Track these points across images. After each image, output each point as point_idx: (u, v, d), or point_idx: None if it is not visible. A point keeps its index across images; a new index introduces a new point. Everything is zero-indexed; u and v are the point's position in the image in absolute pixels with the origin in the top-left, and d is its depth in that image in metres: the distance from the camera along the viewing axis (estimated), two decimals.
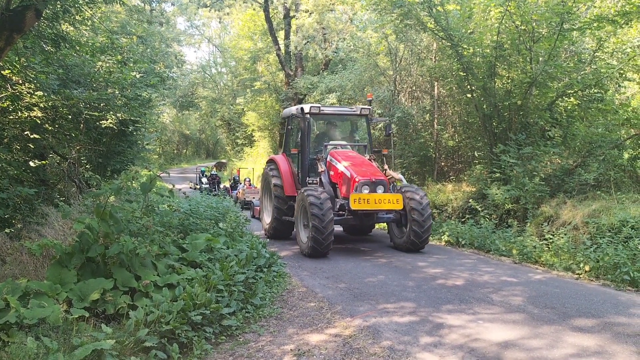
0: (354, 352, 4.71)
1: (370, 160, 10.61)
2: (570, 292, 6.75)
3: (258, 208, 14.89)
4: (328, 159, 10.55)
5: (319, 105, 11.28)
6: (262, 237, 11.21)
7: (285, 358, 4.68)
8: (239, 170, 26.69)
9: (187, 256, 6.79)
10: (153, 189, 6.78)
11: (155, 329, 4.67)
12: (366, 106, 11.43)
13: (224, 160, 40.37)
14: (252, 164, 32.21)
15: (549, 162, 11.28)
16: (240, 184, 22.61)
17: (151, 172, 6.81)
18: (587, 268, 7.89)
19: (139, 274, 5.66)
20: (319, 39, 23.23)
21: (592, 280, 7.65)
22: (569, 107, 12.33)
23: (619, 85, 12.99)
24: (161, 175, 7.18)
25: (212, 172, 26.46)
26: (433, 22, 12.18)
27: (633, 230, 8.06)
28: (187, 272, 6.15)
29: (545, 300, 6.33)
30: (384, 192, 9.63)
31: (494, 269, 8.35)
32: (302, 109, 10.87)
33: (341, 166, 10.08)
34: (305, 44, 23.15)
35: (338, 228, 11.72)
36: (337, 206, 9.93)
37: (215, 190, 22.87)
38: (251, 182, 22.29)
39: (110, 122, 13.36)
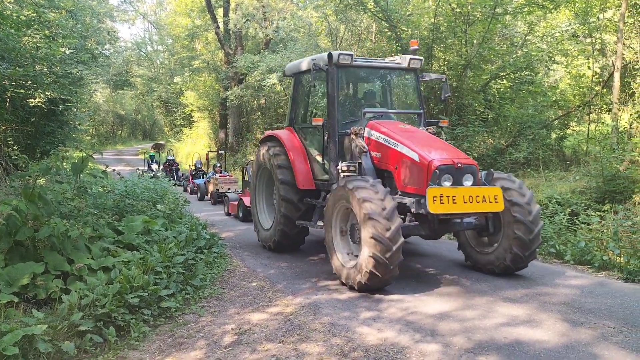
0: (295, 329, 4.75)
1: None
2: None
3: (235, 203, 12.21)
4: (367, 134, 6.98)
5: (351, 53, 7.40)
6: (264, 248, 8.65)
7: (226, 337, 4.67)
8: (207, 155, 21.22)
9: (123, 239, 6.61)
10: (85, 170, 6.53)
11: (90, 312, 4.54)
12: (416, 56, 7.82)
13: (162, 142, 39.27)
14: (191, 146, 31.46)
15: (482, 142, 11.71)
16: (211, 171, 17.91)
17: (83, 153, 6.55)
18: None
19: (72, 257, 5.46)
20: (259, 17, 22.85)
21: None
22: (501, 89, 12.82)
23: (548, 69, 13.62)
24: (95, 156, 6.92)
25: (169, 157, 22.67)
26: (372, 3, 12.26)
27: (559, 205, 8.53)
28: (123, 255, 5.99)
29: (477, 274, 6.61)
30: (473, 184, 6.06)
31: (431, 245, 8.61)
32: (329, 56, 7.15)
33: (397, 144, 6.48)
34: (245, 22, 22.71)
35: None
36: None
37: (173, 179, 19.50)
38: (222, 168, 17.53)
39: (39, 101, 12.72)
